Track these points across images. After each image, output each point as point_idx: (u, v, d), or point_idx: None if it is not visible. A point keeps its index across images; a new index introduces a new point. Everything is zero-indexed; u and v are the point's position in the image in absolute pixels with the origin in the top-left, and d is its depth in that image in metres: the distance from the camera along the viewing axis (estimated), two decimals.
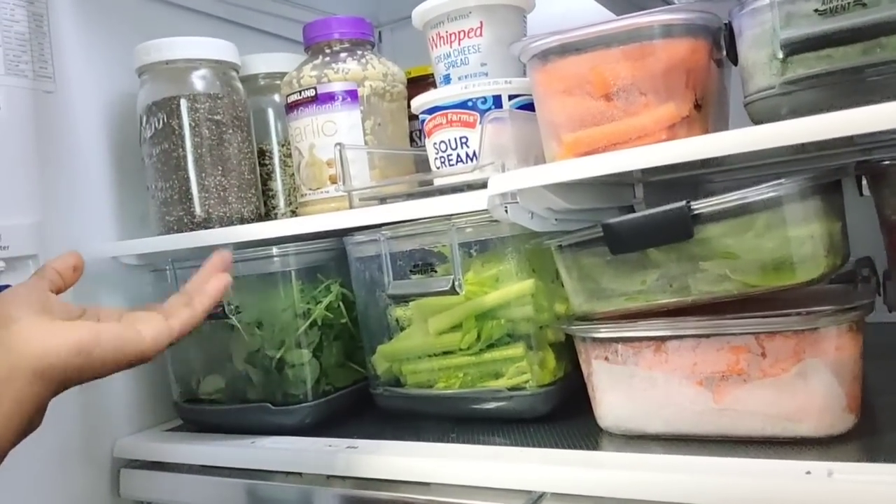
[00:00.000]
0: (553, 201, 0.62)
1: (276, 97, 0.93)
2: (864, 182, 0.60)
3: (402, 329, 0.76)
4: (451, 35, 0.76)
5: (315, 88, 0.82)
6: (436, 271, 0.72)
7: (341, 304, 0.83)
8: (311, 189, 0.84)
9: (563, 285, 0.65)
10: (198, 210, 0.83)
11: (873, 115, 0.45)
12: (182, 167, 0.82)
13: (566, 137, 0.60)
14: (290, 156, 0.92)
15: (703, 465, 0.52)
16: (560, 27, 0.61)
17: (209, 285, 0.58)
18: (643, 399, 0.59)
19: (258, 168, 0.90)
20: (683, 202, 0.54)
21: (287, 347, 0.77)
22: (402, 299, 0.74)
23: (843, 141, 0.64)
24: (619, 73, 0.57)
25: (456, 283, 0.68)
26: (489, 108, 0.71)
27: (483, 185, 0.63)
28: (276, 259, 0.78)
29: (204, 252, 0.82)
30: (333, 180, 0.82)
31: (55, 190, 0.81)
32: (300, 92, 0.83)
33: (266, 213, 0.92)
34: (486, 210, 0.62)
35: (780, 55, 0.51)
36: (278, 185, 0.93)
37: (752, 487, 0.48)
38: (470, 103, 0.72)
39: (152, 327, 0.51)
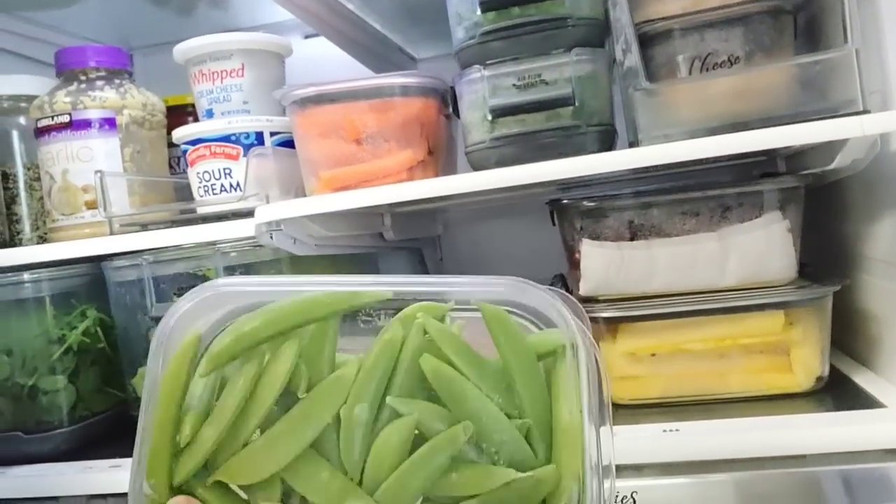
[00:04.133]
0: (313, 229, 0.71)
1: (22, 119, 0.90)
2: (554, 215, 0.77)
3: None
4: (213, 73, 0.82)
5: (70, 114, 0.82)
6: None
7: (98, 329, 0.83)
8: (64, 214, 0.84)
9: None
10: None
11: (554, 167, 0.61)
12: None
13: (323, 174, 0.69)
14: (37, 179, 0.89)
15: None
16: (312, 71, 0.69)
17: None
18: None
19: (2, 192, 0.87)
20: None
21: (40, 374, 0.76)
22: None
23: (542, 181, 0.81)
24: (366, 123, 0.68)
25: None
26: (252, 143, 0.78)
27: (247, 213, 0.70)
28: (27, 285, 0.77)
29: None
30: (90, 206, 0.82)
31: None
32: (52, 117, 0.82)
33: (10, 238, 0.89)
34: (251, 236, 0.69)
35: (489, 118, 0.66)
36: (24, 209, 0.90)
37: None
38: (233, 137, 0.78)
39: None
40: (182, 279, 0.77)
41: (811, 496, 0.56)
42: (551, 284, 0.83)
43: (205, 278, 0.77)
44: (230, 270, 0.76)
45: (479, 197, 0.93)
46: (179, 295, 0.77)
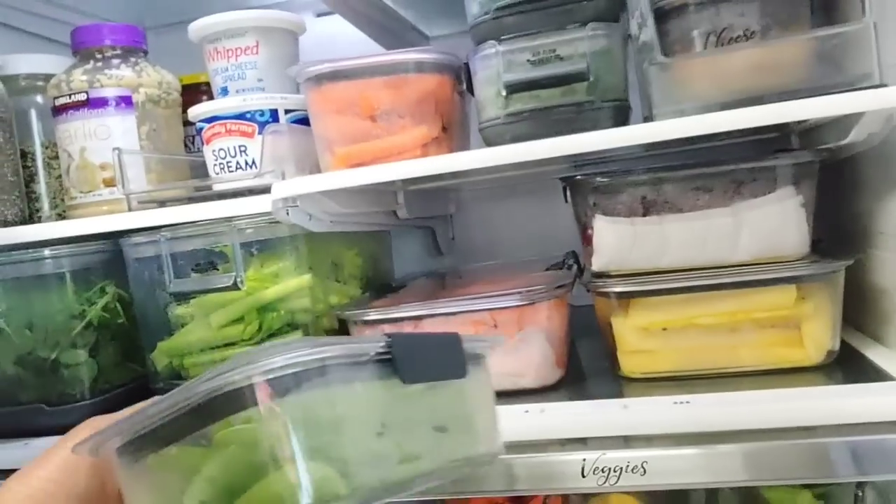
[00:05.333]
0: (329, 205, 0.72)
1: (39, 98, 0.91)
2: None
3: (183, 326, 0.80)
4: (228, 51, 0.82)
5: (87, 93, 0.83)
6: (217, 269, 0.76)
7: (118, 304, 0.84)
8: (82, 192, 0.85)
9: (337, 279, 0.74)
10: None
11: (569, 142, 0.62)
12: None
13: (338, 151, 0.70)
14: (55, 158, 0.91)
15: None
16: (324, 49, 0.70)
17: None
18: None
19: (21, 170, 0.88)
20: None
21: (62, 348, 0.78)
22: (184, 297, 0.78)
23: (555, 158, 0.81)
24: (381, 99, 0.68)
25: (238, 280, 0.74)
26: (267, 121, 0.79)
27: (263, 190, 0.70)
28: (48, 261, 0.78)
29: None
30: (108, 183, 0.83)
31: None
32: (70, 95, 0.83)
33: (29, 216, 0.90)
34: (268, 212, 0.69)
35: (504, 93, 0.66)
36: (42, 187, 0.92)
37: None
38: (248, 115, 0.79)
39: None
40: (199, 255, 0.77)
41: (820, 467, 0.56)
42: (563, 261, 0.84)
43: (221, 254, 0.77)
44: (246, 246, 0.76)
45: (492, 174, 0.93)
46: (197, 271, 0.78)
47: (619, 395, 0.66)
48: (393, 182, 0.89)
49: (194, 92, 1.00)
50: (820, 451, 0.56)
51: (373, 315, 0.70)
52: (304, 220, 0.69)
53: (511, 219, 1.13)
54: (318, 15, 1.16)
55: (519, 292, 0.68)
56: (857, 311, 0.72)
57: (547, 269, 0.81)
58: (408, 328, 0.70)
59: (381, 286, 0.90)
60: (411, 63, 0.68)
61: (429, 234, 1.11)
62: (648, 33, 0.60)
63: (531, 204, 1.12)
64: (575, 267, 0.80)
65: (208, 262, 0.77)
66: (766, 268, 0.64)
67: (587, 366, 0.77)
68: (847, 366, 0.65)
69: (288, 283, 0.76)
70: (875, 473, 0.56)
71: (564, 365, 0.71)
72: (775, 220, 0.64)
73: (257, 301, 0.76)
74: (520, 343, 0.68)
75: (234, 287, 0.74)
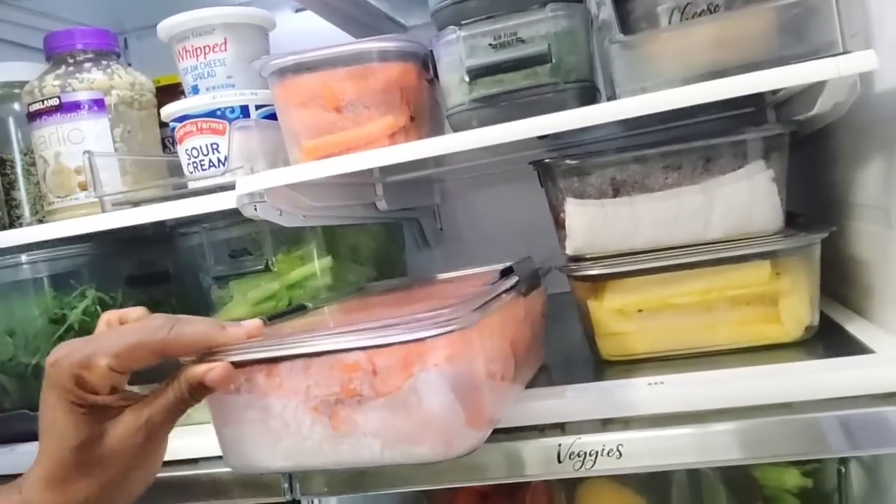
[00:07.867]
0: (299, 200, 0.72)
1: (17, 106, 0.91)
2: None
3: (224, 305, 0.83)
4: (196, 49, 0.82)
5: (59, 97, 0.83)
6: (251, 255, 0.81)
7: (98, 308, 0.84)
8: (59, 197, 0.85)
9: (354, 261, 0.79)
10: None
11: (531, 125, 0.61)
12: None
13: (306, 144, 0.69)
14: (34, 164, 0.91)
15: None
16: (303, 45, 0.70)
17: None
18: (262, 432, 0.50)
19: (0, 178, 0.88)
20: None
21: (43, 353, 0.78)
22: (224, 279, 0.82)
23: (529, 142, 0.80)
24: (345, 90, 0.67)
25: (269, 263, 0.79)
26: (238, 117, 0.78)
27: (234, 187, 0.70)
28: (25, 266, 0.78)
29: None
30: (83, 187, 0.83)
31: None
32: (43, 101, 0.83)
33: (10, 223, 0.90)
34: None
35: (467, 79, 0.66)
36: (22, 194, 0.92)
37: None
38: (219, 112, 0.79)
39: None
40: (235, 242, 0.82)
41: (804, 443, 0.55)
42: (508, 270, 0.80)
43: (254, 241, 0.82)
44: (275, 234, 0.80)
45: (468, 162, 0.93)
46: (233, 257, 0.82)
47: (597, 378, 0.65)
48: (369, 174, 0.89)
49: (172, 93, 0.99)
50: (802, 426, 0.55)
51: (219, 356, 0.49)
52: (273, 215, 0.69)
53: (499, 208, 1.12)
54: (297, 11, 1.16)
55: (404, 322, 0.46)
56: (838, 284, 0.71)
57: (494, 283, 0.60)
58: (260, 375, 0.49)
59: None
60: (374, 52, 0.67)
61: (415, 225, 1.11)
62: (607, 10, 0.59)
63: (519, 193, 1.10)
64: (517, 280, 0.60)
65: (242, 248, 0.82)
66: (738, 244, 0.63)
67: (571, 351, 0.76)
68: (826, 340, 0.64)
69: (312, 265, 0.81)
70: (863, 448, 0.55)
71: (489, 423, 0.50)
72: (746, 196, 0.63)
73: (287, 281, 0.80)
74: (409, 395, 0.46)
75: (266, 269, 0.79)
